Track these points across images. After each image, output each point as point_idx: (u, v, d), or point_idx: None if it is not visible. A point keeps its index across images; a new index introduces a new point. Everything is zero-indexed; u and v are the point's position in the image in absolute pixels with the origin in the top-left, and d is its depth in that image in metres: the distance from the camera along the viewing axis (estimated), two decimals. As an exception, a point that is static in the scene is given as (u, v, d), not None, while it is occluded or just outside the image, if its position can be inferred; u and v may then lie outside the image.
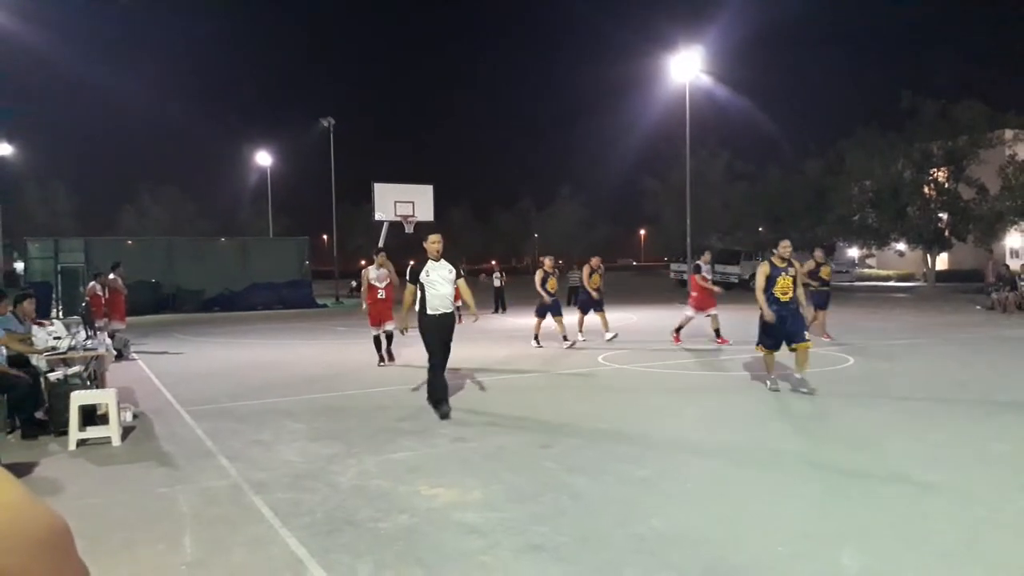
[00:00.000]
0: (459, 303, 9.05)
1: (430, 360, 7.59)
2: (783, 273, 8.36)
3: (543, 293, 13.56)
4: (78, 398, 6.65)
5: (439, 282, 7.52)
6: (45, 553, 0.67)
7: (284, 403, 8.53)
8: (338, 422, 7.39)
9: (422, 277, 7.52)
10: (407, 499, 4.84)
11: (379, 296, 11.31)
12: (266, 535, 4.26)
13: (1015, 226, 33.96)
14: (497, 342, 14.52)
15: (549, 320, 13.64)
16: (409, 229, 21.22)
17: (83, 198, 59.51)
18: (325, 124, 36.11)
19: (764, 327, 8.45)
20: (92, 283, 14.35)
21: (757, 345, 8.65)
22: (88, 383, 7.38)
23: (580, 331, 14.12)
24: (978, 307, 21.27)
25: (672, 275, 43.45)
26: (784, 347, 8.41)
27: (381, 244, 18.65)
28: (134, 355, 13.31)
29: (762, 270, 8.49)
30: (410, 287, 7.65)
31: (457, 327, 8.00)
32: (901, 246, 37.73)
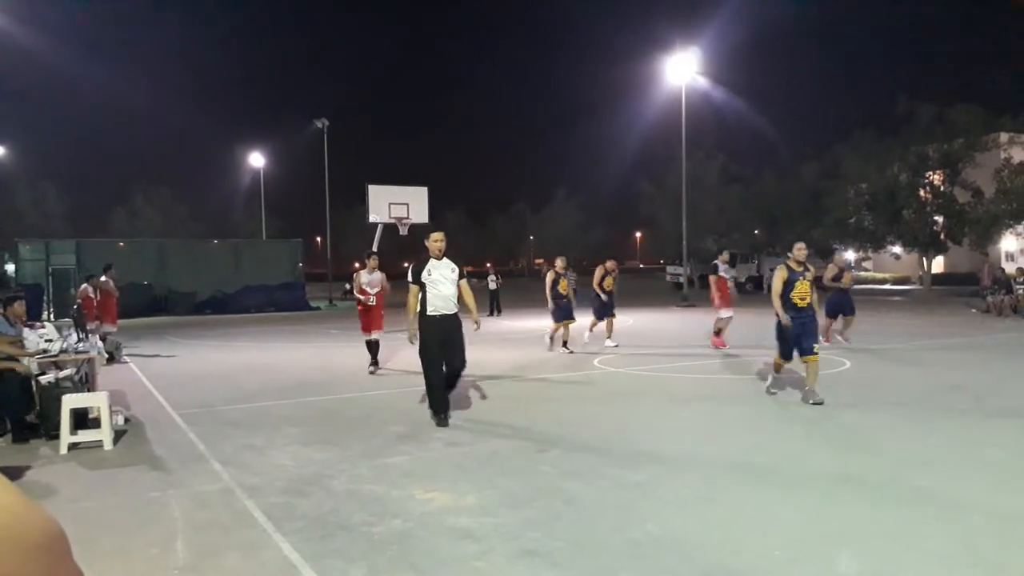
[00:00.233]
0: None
1: (426, 372, 7.27)
2: (801, 277, 8.00)
3: (549, 298, 13.06)
4: (69, 401, 6.60)
5: (441, 281, 7.24)
6: (41, 557, 0.66)
7: (277, 407, 8.49)
8: (332, 426, 7.34)
9: (423, 276, 7.24)
10: (401, 504, 4.80)
11: (369, 303, 10.92)
12: (259, 540, 4.22)
13: (1010, 229, 34.04)
14: (492, 345, 14.48)
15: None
16: (403, 231, 21.20)
17: (75, 199, 59.05)
18: (319, 125, 36.06)
19: (781, 334, 8.02)
20: (84, 285, 14.29)
21: (776, 353, 8.19)
22: (80, 386, 7.33)
23: (609, 335, 13.68)
24: (973, 310, 21.32)
25: (668, 278, 43.44)
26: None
27: (375, 247, 18.55)
28: (126, 358, 13.23)
29: (779, 275, 8.10)
30: (412, 288, 7.33)
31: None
32: (897, 249, 37.78)
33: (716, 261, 13.63)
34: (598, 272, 13.80)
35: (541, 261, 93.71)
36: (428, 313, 7.21)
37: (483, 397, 8.78)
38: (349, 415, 7.91)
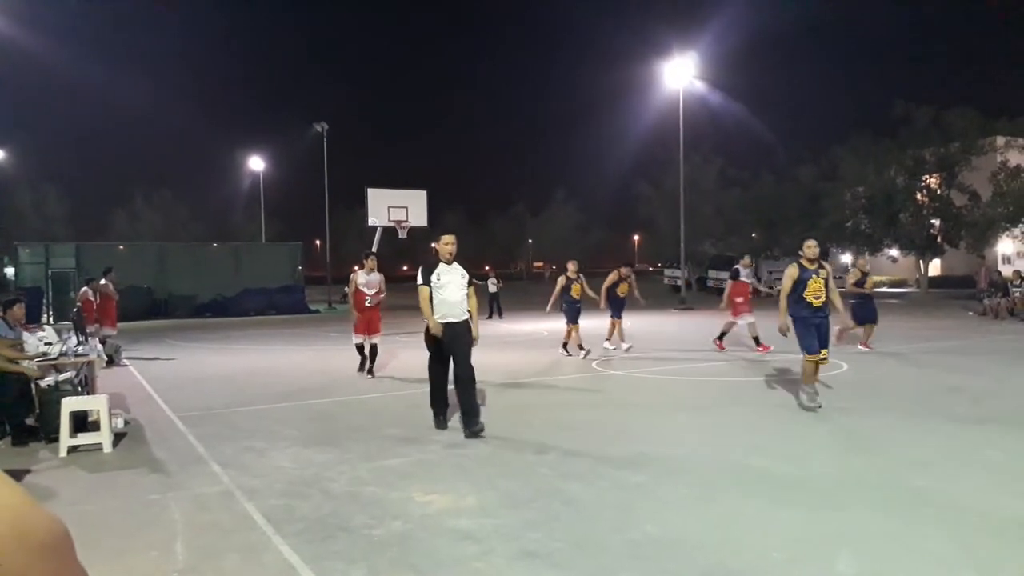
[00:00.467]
0: None
1: (430, 375, 7.21)
2: (814, 275, 7.69)
3: (554, 301, 12.80)
4: (69, 404, 6.60)
5: (450, 287, 6.92)
6: (46, 557, 0.67)
7: (277, 409, 8.49)
8: (331, 428, 7.35)
9: (432, 280, 6.92)
10: (401, 505, 4.81)
11: (367, 303, 10.69)
12: (259, 542, 4.23)
13: (1007, 232, 34.16)
14: (492, 348, 14.48)
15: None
16: (402, 235, 21.22)
17: (75, 202, 59.16)
18: (319, 129, 36.13)
19: (802, 333, 7.70)
20: (84, 288, 14.28)
21: (804, 354, 7.74)
22: (79, 389, 7.33)
23: (622, 339, 13.38)
24: (970, 313, 21.36)
25: (666, 281, 43.48)
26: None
27: (374, 249, 18.55)
28: (126, 361, 13.24)
29: (789, 273, 7.79)
30: (423, 290, 6.96)
31: None
32: (894, 252, 37.87)
33: (737, 265, 13.16)
34: (611, 277, 13.32)
35: (541, 264, 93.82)
36: (435, 320, 6.97)
37: (482, 400, 8.78)
38: (348, 418, 7.92)
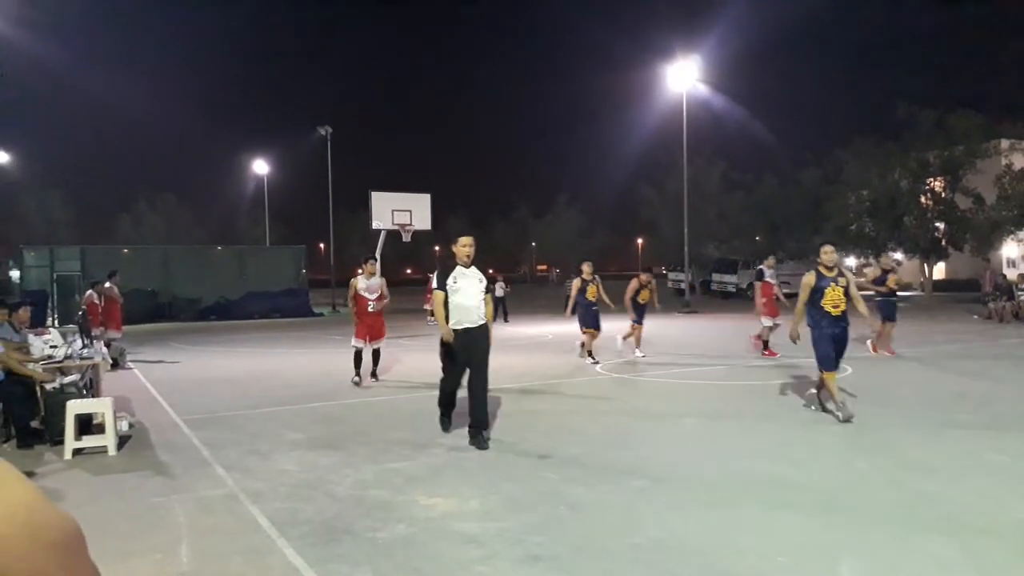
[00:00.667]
0: None
1: (442, 377, 7.00)
2: (832, 283, 7.27)
3: (572, 304, 12.51)
4: (74, 407, 6.62)
5: (466, 291, 6.64)
6: (59, 555, 0.68)
7: (281, 412, 8.51)
8: (336, 431, 7.36)
9: (448, 284, 6.64)
10: (405, 509, 4.82)
11: (369, 309, 10.33)
12: (263, 545, 4.24)
13: (1012, 235, 34.05)
14: (498, 351, 14.42)
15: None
16: (406, 238, 21.23)
17: (79, 206, 59.42)
18: (322, 132, 36.17)
19: (821, 346, 7.29)
20: (89, 292, 14.31)
21: (821, 370, 7.39)
22: (84, 392, 7.36)
23: (638, 346, 13.13)
24: (975, 316, 21.30)
25: (670, 284, 43.45)
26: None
27: (378, 253, 18.55)
28: (130, 364, 13.27)
29: (806, 281, 7.37)
30: (438, 294, 6.71)
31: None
32: (898, 255, 37.77)
33: (761, 266, 12.97)
34: (632, 285, 13.02)
35: (544, 267, 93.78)
36: (450, 325, 6.67)
37: (489, 404, 8.77)
38: (353, 421, 7.93)
